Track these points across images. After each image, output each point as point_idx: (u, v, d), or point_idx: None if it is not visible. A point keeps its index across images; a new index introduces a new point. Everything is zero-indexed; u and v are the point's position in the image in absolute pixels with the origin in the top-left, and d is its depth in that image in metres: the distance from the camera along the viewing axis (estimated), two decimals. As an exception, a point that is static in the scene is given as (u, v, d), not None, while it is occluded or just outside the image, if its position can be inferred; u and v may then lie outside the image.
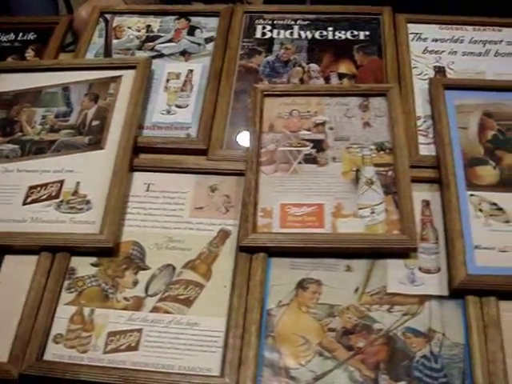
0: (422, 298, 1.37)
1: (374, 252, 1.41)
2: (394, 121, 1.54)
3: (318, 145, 1.54)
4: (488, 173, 1.48)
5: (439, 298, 1.37)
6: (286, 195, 1.47)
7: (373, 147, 1.52)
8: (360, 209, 1.44)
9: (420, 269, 1.40)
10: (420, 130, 1.59)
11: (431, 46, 1.78)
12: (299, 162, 1.51)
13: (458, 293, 1.35)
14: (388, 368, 1.29)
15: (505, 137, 1.53)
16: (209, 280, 1.41)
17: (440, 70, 1.72)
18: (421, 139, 1.58)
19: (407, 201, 1.42)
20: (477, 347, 1.29)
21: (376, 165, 1.50)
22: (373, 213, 1.42)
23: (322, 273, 1.40)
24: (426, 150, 1.56)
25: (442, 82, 1.62)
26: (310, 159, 1.51)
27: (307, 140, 1.55)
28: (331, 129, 1.56)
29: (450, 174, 1.46)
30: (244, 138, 1.61)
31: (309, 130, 1.57)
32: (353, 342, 1.32)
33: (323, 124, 1.57)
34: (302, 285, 1.39)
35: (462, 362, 1.28)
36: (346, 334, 1.33)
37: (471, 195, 1.44)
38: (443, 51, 1.77)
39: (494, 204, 1.44)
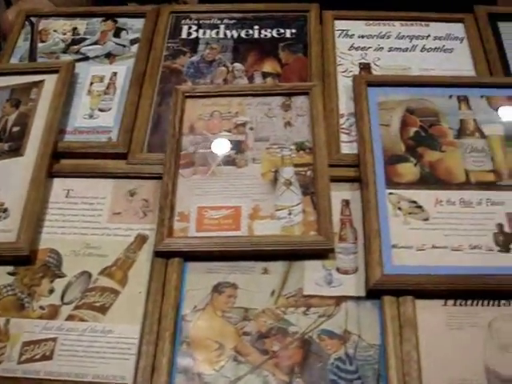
0: (339, 300, 1.35)
1: (290, 254, 1.39)
2: (314, 120, 1.53)
3: (238, 146, 1.50)
4: (408, 170, 1.47)
5: (356, 298, 1.35)
6: (204, 198, 1.45)
7: (293, 147, 1.50)
8: (277, 210, 1.42)
9: (338, 269, 1.38)
10: (342, 128, 1.57)
11: (357, 43, 1.76)
12: (218, 164, 1.48)
13: (374, 293, 1.33)
14: (302, 371, 1.28)
15: (427, 133, 1.52)
16: (124, 286, 1.39)
17: (365, 67, 1.70)
18: (343, 137, 1.56)
19: (325, 201, 1.40)
20: (392, 348, 1.27)
21: (296, 165, 1.48)
22: (290, 214, 1.40)
23: (239, 276, 1.39)
24: (348, 148, 1.54)
25: (365, 79, 1.61)
26: (229, 161, 1.49)
27: (227, 141, 1.50)
28: (252, 129, 1.54)
29: (370, 172, 1.44)
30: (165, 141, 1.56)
31: (229, 131, 1.53)
32: (267, 345, 1.30)
33: (244, 125, 1.55)
34: (217, 289, 1.37)
35: (377, 364, 1.27)
36: (260, 337, 1.31)
37: (390, 193, 1.43)
38: (369, 47, 1.75)
39: (414, 202, 1.42)
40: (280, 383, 1.27)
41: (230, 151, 1.51)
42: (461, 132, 1.53)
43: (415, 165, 1.46)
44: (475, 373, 1.27)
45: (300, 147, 1.49)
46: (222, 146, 1.51)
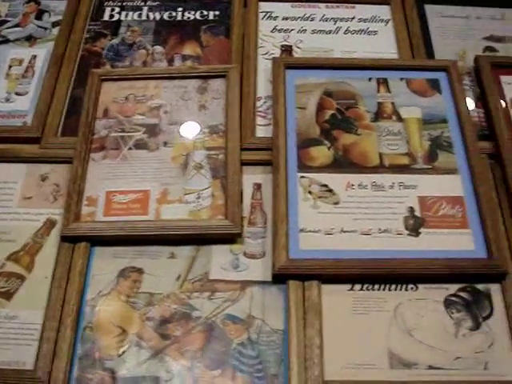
0: (245, 284, 1.33)
1: (197, 238, 1.38)
2: (229, 103, 1.51)
3: (151, 129, 1.49)
4: (321, 153, 1.45)
5: (262, 283, 1.34)
6: (113, 183, 1.44)
7: (206, 130, 1.48)
8: (186, 194, 1.40)
9: (245, 254, 1.37)
10: (259, 112, 1.55)
11: (281, 25, 1.74)
12: (129, 148, 1.46)
13: (279, 278, 1.32)
14: (204, 356, 1.26)
15: (343, 116, 1.51)
16: (31, 272, 1.38)
17: (287, 49, 1.68)
18: (259, 120, 1.54)
19: (234, 185, 1.39)
20: (294, 333, 1.26)
21: (208, 148, 1.47)
22: (199, 198, 1.39)
23: (145, 261, 1.37)
24: (264, 131, 1.52)
25: (283, 62, 1.59)
26: (141, 144, 1.48)
27: (140, 125, 1.50)
28: (166, 113, 1.52)
29: (281, 155, 1.42)
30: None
31: (143, 114, 1.52)
32: (170, 330, 1.29)
33: (158, 108, 1.53)
34: (123, 274, 1.36)
35: (279, 349, 1.26)
36: (163, 322, 1.30)
37: (302, 177, 1.41)
38: (292, 29, 1.73)
39: (325, 185, 1.41)
40: (180, 368, 1.25)
41: (143, 135, 1.49)
42: (378, 115, 1.51)
43: (329, 148, 1.45)
44: (378, 357, 1.26)
45: (214, 130, 1.47)
46: (134, 130, 1.46)
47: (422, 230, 1.35)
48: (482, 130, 1.55)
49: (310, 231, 1.34)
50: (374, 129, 1.48)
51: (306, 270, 1.30)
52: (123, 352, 1.25)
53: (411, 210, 1.36)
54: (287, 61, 1.59)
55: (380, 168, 1.43)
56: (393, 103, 1.52)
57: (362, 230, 1.35)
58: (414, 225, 1.35)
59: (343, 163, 1.42)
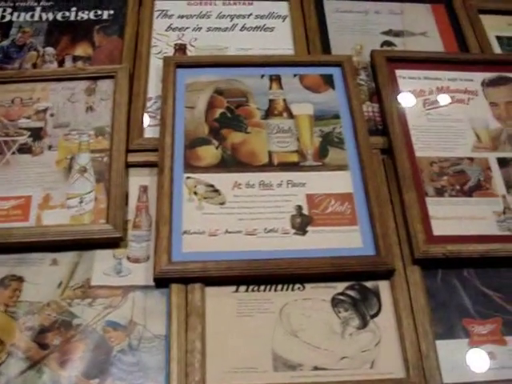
0: (127, 289, 1.30)
1: (79, 244, 1.33)
2: (117, 104, 1.48)
3: (36, 133, 1.45)
4: (209, 153, 1.43)
5: (145, 288, 1.31)
6: (-5, 189, 1.36)
7: (92, 132, 1.46)
8: (68, 199, 1.37)
9: (128, 258, 1.33)
10: (149, 112, 1.52)
11: (176, 23, 1.71)
12: (13, 153, 1.42)
13: (162, 282, 1.28)
14: (83, 365, 1.23)
15: (233, 114, 1.48)
16: None
17: (180, 48, 1.65)
18: (149, 121, 1.52)
19: (117, 188, 1.37)
20: (175, 338, 1.24)
21: (93, 151, 1.44)
22: (81, 202, 1.36)
23: (27, 269, 1.34)
24: (153, 132, 1.48)
25: (174, 61, 1.56)
26: (24, 149, 1.44)
27: (25, 129, 1.46)
28: (52, 115, 1.49)
29: (167, 156, 1.40)
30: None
31: (29, 117, 1.48)
32: (49, 340, 1.25)
33: (44, 111, 1.49)
34: (3, 283, 1.31)
35: (160, 355, 1.22)
36: (42, 332, 1.26)
37: (188, 178, 1.39)
38: (187, 28, 1.70)
39: (211, 186, 1.38)
40: (58, 379, 1.20)
41: (27, 139, 1.44)
42: (269, 112, 1.49)
43: (217, 147, 1.42)
44: (262, 360, 1.25)
45: (99, 132, 1.44)
46: (18, 134, 1.42)
47: (309, 228, 1.33)
48: (376, 125, 1.51)
49: (193, 233, 1.31)
50: (264, 126, 1.46)
51: (187, 273, 1.27)
52: (0, 364, 1.19)
53: (299, 208, 1.34)
54: (178, 60, 1.57)
55: (268, 166, 1.40)
56: (284, 100, 1.50)
57: (246, 230, 1.32)
58: (301, 223, 1.33)
59: (231, 162, 1.39)
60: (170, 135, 1.41)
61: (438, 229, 1.37)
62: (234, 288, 1.30)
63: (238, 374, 1.21)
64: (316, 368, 1.22)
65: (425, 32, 1.76)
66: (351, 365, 1.24)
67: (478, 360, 1.25)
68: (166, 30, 1.68)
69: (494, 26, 1.81)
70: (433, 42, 1.75)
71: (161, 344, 1.23)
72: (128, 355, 1.22)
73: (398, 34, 1.73)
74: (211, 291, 1.29)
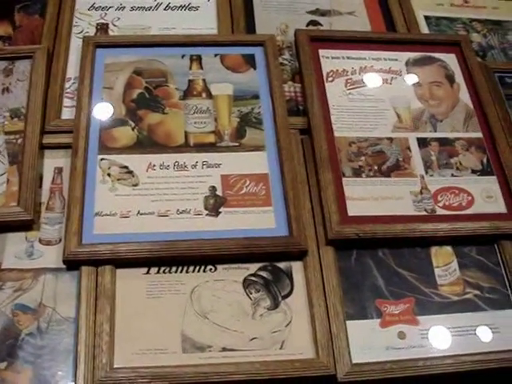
0: (38, 272, 1.30)
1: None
2: (33, 84, 1.47)
3: (-50, 117, 1.41)
4: (125, 134, 1.42)
5: (56, 270, 1.30)
6: None
7: (7, 114, 1.43)
8: (-18, 182, 1.32)
9: (40, 241, 1.31)
10: (67, 93, 1.50)
11: (99, 2, 1.69)
12: None
13: (72, 264, 1.28)
14: (-10, 349, 1.18)
15: (151, 95, 1.47)
16: None
17: (102, 27, 1.62)
18: (67, 102, 1.49)
19: (29, 170, 1.36)
20: (83, 321, 1.24)
21: (7, 133, 1.43)
22: (-6, 185, 1.32)
23: None
24: (71, 113, 1.46)
25: (93, 41, 1.54)
26: None
27: None
28: (-33, 98, 1.43)
29: (81, 137, 1.40)
30: None
31: None
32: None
33: (-40, 93, 1.44)
34: None
35: (69, 337, 1.22)
36: (-49, 317, 1.21)
37: (102, 159, 1.37)
38: (111, 7, 1.68)
39: (125, 167, 1.37)
40: (-36, 363, 1.17)
41: None
42: (187, 93, 1.48)
43: (133, 129, 1.41)
44: (171, 341, 1.25)
45: (15, 114, 1.42)
46: None
47: (222, 209, 1.33)
48: (298, 105, 1.51)
49: (105, 215, 1.30)
50: (182, 107, 1.45)
51: (98, 254, 1.27)
52: None
53: (213, 189, 1.34)
54: (97, 40, 1.55)
55: (184, 147, 1.40)
56: (204, 80, 1.49)
57: (159, 211, 1.32)
58: (215, 204, 1.33)
59: (146, 144, 1.39)
60: (85, 116, 1.39)
61: (353, 209, 1.37)
62: (145, 270, 1.30)
63: (146, 355, 1.21)
64: (224, 349, 1.22)
65: (352, 11, 1.75)
66: (261, 345, 1.24)
67: (388, 340, 1.25)
68: (89, 9, 1.66)
69: (423, 6, 1.81)
70: (360, 21, 1.73)
71: (70, 327, 1.23)
72: (36, 338, 1.21)
73: (324, 13, 1.72)
74: (122, 273, 1.29)
